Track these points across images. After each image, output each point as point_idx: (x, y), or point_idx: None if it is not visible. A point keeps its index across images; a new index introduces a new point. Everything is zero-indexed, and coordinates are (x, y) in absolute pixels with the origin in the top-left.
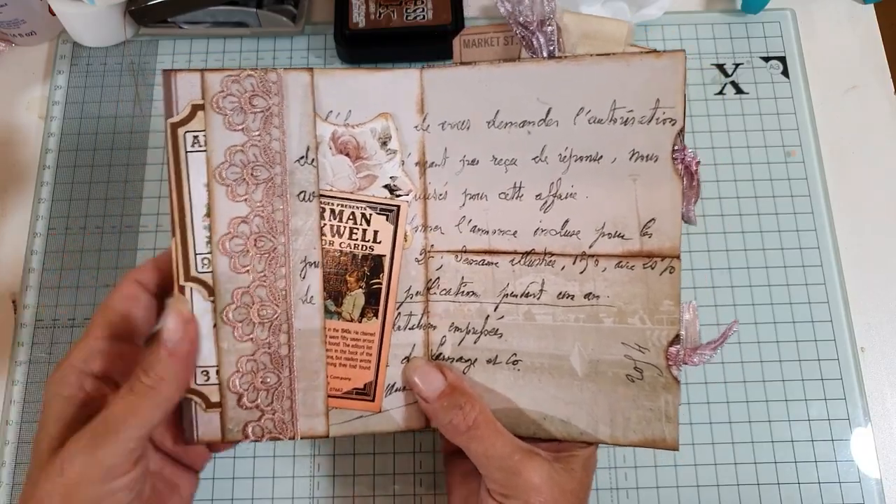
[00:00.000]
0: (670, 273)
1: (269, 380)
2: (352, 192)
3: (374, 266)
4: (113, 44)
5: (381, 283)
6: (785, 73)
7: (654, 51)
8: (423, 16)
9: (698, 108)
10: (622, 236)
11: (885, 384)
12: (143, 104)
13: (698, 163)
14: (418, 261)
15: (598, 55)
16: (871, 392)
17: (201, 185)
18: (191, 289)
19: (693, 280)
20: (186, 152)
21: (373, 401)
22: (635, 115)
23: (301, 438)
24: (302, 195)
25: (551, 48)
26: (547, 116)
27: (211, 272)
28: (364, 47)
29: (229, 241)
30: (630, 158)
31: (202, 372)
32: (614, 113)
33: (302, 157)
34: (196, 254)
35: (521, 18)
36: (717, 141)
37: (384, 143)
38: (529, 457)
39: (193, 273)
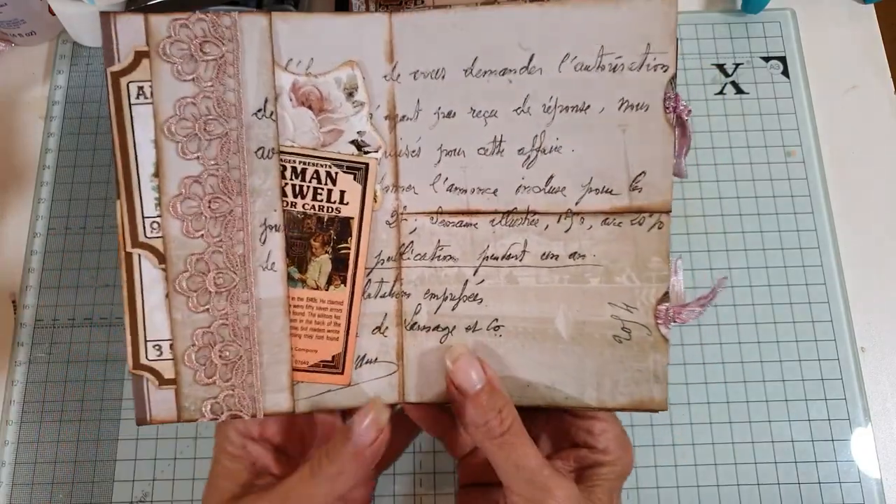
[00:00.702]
0: (659, 228)
1: (228, 353)
2: (315, 149)
3: (340, 229)
4: None
5: (349, 248)
6: (785, 73)
7: None
8: None
9: (698, 108)
10: (610, 192)
11: (885, 384)
12: None
13: (689, 111)
14: (389, 223)
15: None
16: (872, 392)
17: (148, 141)
18: (139, 256)
19: (693, 280)
20: (130, 105)
21: (342, 373)
22: (624, 61)
23: (264, 416)
24: (260, 151)
25: None
26: (529, 63)
27: (161, 237)
28: None
29: (181, 202)
30: (619, 108)
31: (154, 346)
32: (602, 59)
33: (260, 110)
34: (144, 217)
35: None
36: (717, 141)
37: (350, 95)
38: (559, 475)
39: (142, 238)
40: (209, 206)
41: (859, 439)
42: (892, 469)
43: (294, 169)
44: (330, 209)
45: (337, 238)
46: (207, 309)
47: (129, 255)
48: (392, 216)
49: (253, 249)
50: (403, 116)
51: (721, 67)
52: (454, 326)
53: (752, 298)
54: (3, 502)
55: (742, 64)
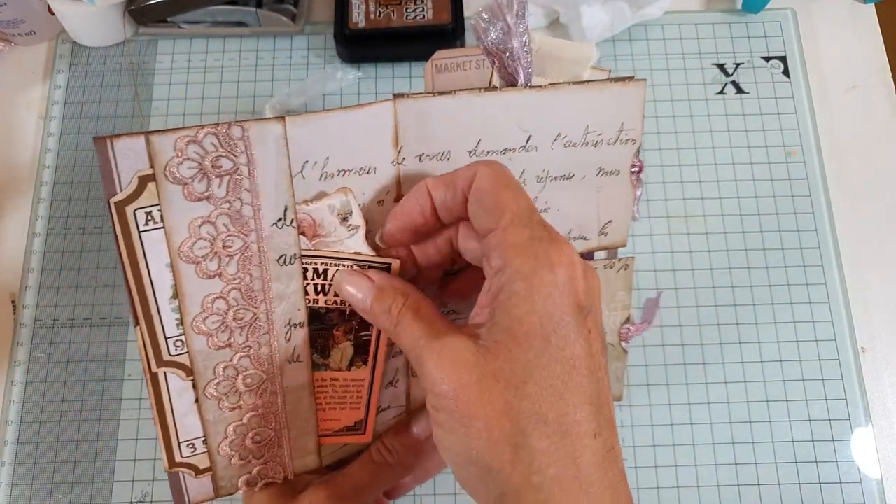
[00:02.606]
0: (625, 269)
1: (259, 438)
2: (337, 251)
3: (362, 320)
4: (112, 43)
5: (370, 335)
6: (785, 72)
7: (621, 78)
8: (423, 15)
9: (699, 108)
10: (584, 238)
11: (885, 384)
12: (143, 104)
13: (642, 168)
14: None
15: (574, 83)
16: (872, 392)
17: (163, 266)
18: (164, 373)
19: (693, 280)
20: (140, 232)
21: (364, 433)
22: (604, 137)
23: (294, 476)
24: (282, 259)
25: (528, 72)
26: (527, 143)
27: (186, 353)
28: (364, 47)
29: (204, 320)
30: (597, 174)
31: (187, 445)
32: (587, 136)
33: (280, 220)
34: (167, 338)
35: (493, 45)
36: (717, 141)
37: (344, 220)
38: (435, 337)
39: (166, 357)
40: (233, 318)
41: (860, 439)
42: (893, 469)
43: (315, 270)
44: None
45: (358, 327)
46: (239, 406)
47: (154, 375)
48: None
49: (279, 348)
50: None
51: (721, 67)
52: None
53: (753, 298)
54: (3, 502)
55: (742, 64)
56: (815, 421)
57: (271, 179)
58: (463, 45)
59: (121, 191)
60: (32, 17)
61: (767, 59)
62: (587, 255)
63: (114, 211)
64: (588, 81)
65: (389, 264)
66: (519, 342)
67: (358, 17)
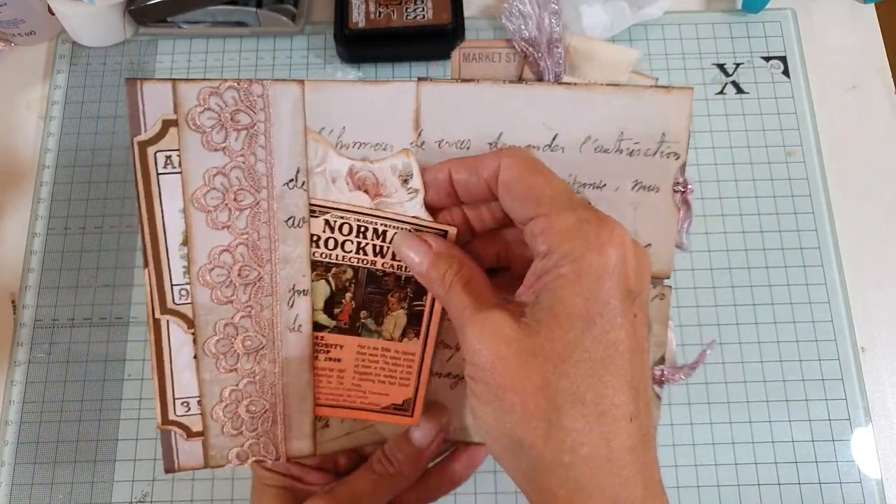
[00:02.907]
0: (661, 300)
1: (254, 408)
2: (396, 213)
3: (417, 288)
4: (112, 43)
5: (423, 306)
6: (785, 72)
7: (664, 86)
8: (423, 15)
9: (699, 108)
10: None
11: (885, 384)
12: None
13: (692, 191)
14: None
15: (608, 85)
16: (872, 392)
17: (176, 211)
18: (167, 321)
19: (693, 280)
20: (158, 174)
21: (411, 416)
22: (641, 147)
23: (288, 460)
24: (291, 221)
25: (558, 71)
26: (552, 142)
27: (190, 303)
28: (364, 47)
29: (210, 272)
30: (632, 188)
31: (182, 403)
32: (621, 144)
33: (291, 181)
34: (173, 285)
35: (527, 36)
36: (717, 141)
37: (405, 182)
38: (479, 310)
39: (170, 305)
40: (238, 274)
41: (860, 439)
42: (893, 469)
43: (376, 230)
44: (408, 269)
45: (413, 296)
46: (236, 369)
47: (157, 321)
48: None
49: (280, 313)
50: None
51: (721, 67)
52: (462, 375)
53: (753, 298)
54: (3, 502)
55: (742, 64)
56: (815, 421)
57: (286, 140)
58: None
59: (145, 132)
60: (32, 17)
61: (767, 59)
62: None
63: (136, 151)
64: (625, 85)
65: (446, 231)
66: (561, 323)
67: (358, 17)
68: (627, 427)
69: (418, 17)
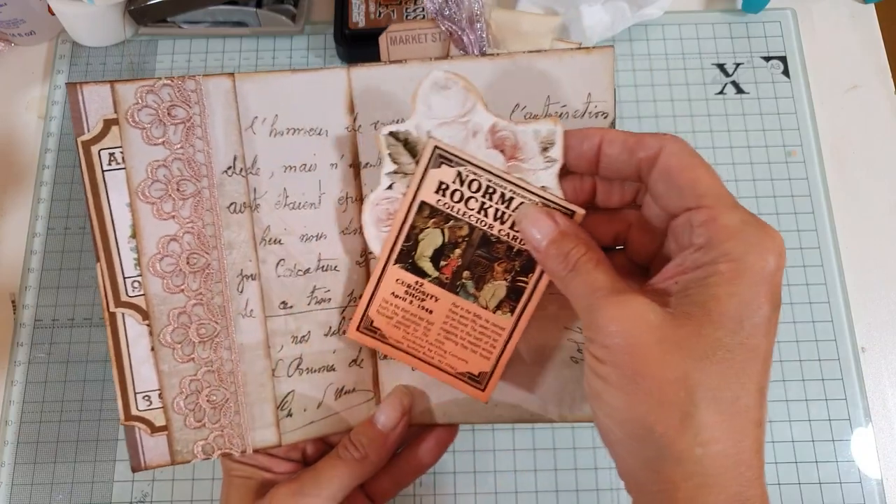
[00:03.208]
0: None
1: (215, 397)
2: (528, 182)
3: (525, 264)
4: (112, 43)
5: (526, 283)
6: (785, 72)
7: (585, 48)
8: (423, 15)
9: (699, 108)
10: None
11: (885, 384)
12: None
13: None
14: (360, 263)
15: (530, 52)
16: (872, 392)
17: (123, 205)
18: (122, 314)
19: None
20: (103, 171)
21: (483, 391)
22: (569, 109)
23: (253, 451)
24: (232, 207)
25: (482, 45)
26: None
27: (143, 295)
28: (364, 47)
29: (160, 261)
30: None
31: (143, 397)
32: (549, 108)
33: (229, 168)
34: (125, 277)
35: (448, 14)
36: (717, 141)
37: (545, 150)
38: (617, 292)
39: (124, 298)
40: (187, 262)
41: (860, 439)
42: (893, 469)
43: (503, 195)
44: (522, 241)
45: (519, 270)
46: (192, 358)
47: (112, 315)
48: (361, 256)
49: (231, 299)
50: (367, 164)
51: (721, 67)
52: None
53: None
54: (3, 502)
55: (742, 64)
56: (815, 421)
57: (221, 130)
58: None
59: (88, 132)
60: (32, 17)
61: (767, 59)
62: None
63: (81, 150)
64: (546, 50)
65: (574, 211)
66: (712, 320)
67: (358, 17)
68: (755, 431)
69: (418, 17)
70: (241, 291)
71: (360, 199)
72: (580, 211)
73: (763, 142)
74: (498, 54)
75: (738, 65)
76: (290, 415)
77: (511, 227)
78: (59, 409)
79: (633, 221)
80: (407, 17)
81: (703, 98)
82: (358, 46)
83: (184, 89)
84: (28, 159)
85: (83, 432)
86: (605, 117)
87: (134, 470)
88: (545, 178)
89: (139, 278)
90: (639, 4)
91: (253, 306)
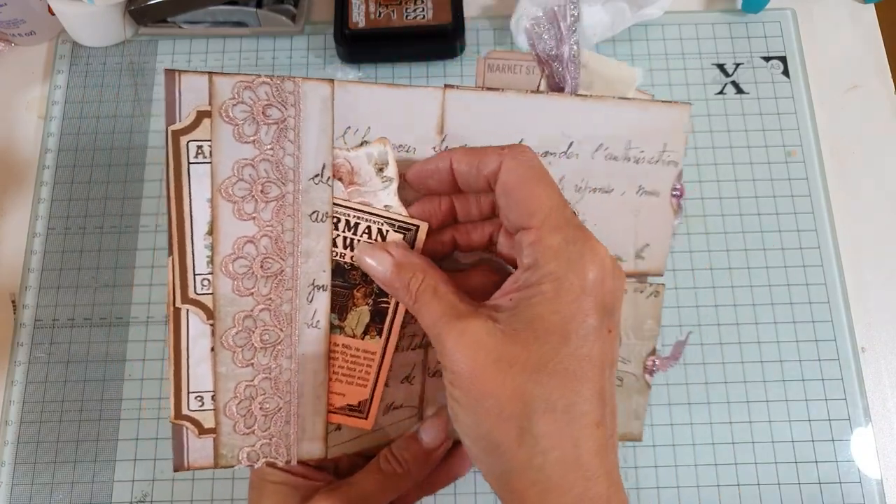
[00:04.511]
0: (655, 296)
1: (268, 405)
2: (370, 205)
3: None
4: (112, 43)
5: (388, 303)
6: (785, 72)
7: (667, 101)
8: (423, 15)
9: (699, 108)
10: (620, 259)
11: (885, 384)
12: (143, 104)
13: (683, 193)
14: None
15: (619, 98)
16: (872, 392)
17: (204, 201)
18: (188, 311)
19: (694, 280)
20: (189, 163)
21: (365, 419)
22: (645, 155)
23: (297, 462)
24: (315, 215)
25: (574, 84)
26: (568, 149)
27: (211, 294)
28: (364, 47)
29: (233, 262)
30: (636, 192)
31: (196, 397)
32: (629, 152)
33: (317, 175)
34: (195, 274)
35: (545, 52)
36: (717, 141)
37: (380, 170)
38: (457, 318)
39: (192, 294)
40: (261, 266)
41: (859, 439)
42: (893, 469)
43: (347, 222)
44: None
45: (379, 292)
46: (252, 364)
47: (177, 310)
48: None
49: (299, 307)
50: None
51: (721, 67)
52: None
53: (752, 298)
54: (3, 502)
55: (742, 64)
56: (814, 421)
57: (314, 136)
58: (463, 45)
59: (179, 121)
60: (32, 17)
61: (767, 59)
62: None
63: (170, 139)
64: (633, 99)
65: (417, 227)
66: (538, 336)
67: (358, 17)
68: (594, 432)
69: (418, 18)
70: (311, 301)
71: None
72: (423, 225)
73: (763, 142)
74: (591, 96)
75: (738, 65)
76: (339, 428)
77: None
78: (59, 409)
79: (500, 224)
80: (407, 17)
81: (702, 98)
82: (358, 46)
83: (282, 90)
84: (28, 159)
85: (83, 432)
86: (676, 166)
87: (176, 469)
88: (385, 197)
89: (210, 276)
90: (639, 4)
91: (320, 317)
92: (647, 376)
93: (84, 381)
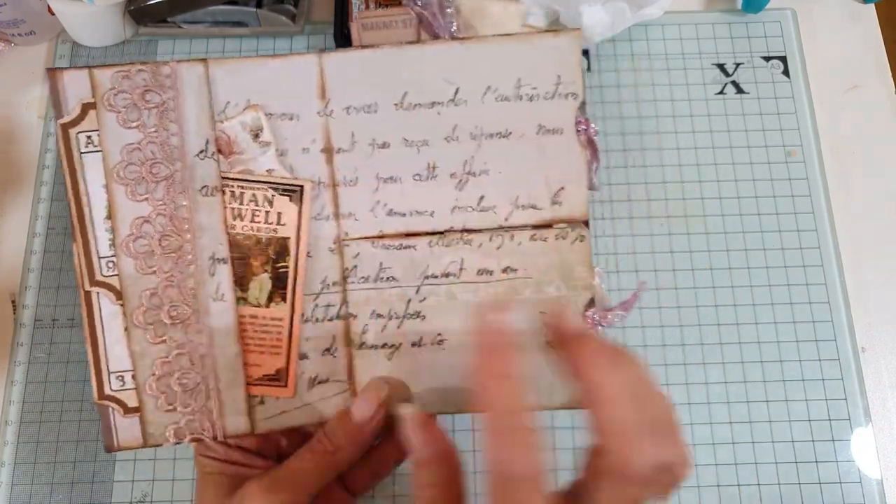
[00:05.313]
0: (581, 241)
1: (186, 381)
2: (251, 173)
3: (279, 249)
4: (112, 43)
5: (287, 267)
6: (786, 72)
7: (552, 30)
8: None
9: (699, 108)
10: (535, 206)
11: (885, 384)
12: None
13: (597, 132)
14: (332, 250)
15: (500, 35)
16: (872, 392)
17: (99, 187)
18: (97, 293)
19: (693, 280)
20: (80, 153)
21: (285, 386)
22: (539, 91)
23: (226, 438)
24: (204, 190)
25: (452, 29)
26: (455, 96)
27: (117, 275)
28: None
29: (133, 242)
30: (537, 133)
31: (117, 377)
32: (520, 90)
33: (202, 151)
34: (100, 257)
35: (419, 1)
36: (717, 141)
37: (256, 136)
38: None
39: (98, 277)
40: (160, 244)
41: (860, 439)
42: (893, 469)
43: (232, 193)
44: (268, 230)
45: (276, 257)
46: (164, 340)
47: (87, 294)
48: (334, 243)
49: (203, 282)
50: (339, 149)
51: (721, 67)
52: (400, 343)
53: (752, 298)
54: (3, 502)
55: (742, 64)
56: (814, 421)
57: (193, 114)
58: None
59: (67, 115)
60: (32, 17)
61: (767, 59)
62: (542, 227)
63: (60, 133)
64: (516, 34)
65: (302, 186)
66: None
67: None
68: None
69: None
70: (213, 275)
71: (333, 185)
72: (307, 183)
73: (763, 142)
74: (469, 38)
75: (738, 65)
76: (262, 402)
77: (252, 220)
78: (59, 409)
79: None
80: None
81: (703, 98)
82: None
83: (159, 74)
84: (28, 159)
85: (83, 432)
86: (575, 98)
87: (107, 450)
88: (266, 161)
89: (114, 258)
90: (639, 4)
91: (224, 290)
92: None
93: (84, 381)
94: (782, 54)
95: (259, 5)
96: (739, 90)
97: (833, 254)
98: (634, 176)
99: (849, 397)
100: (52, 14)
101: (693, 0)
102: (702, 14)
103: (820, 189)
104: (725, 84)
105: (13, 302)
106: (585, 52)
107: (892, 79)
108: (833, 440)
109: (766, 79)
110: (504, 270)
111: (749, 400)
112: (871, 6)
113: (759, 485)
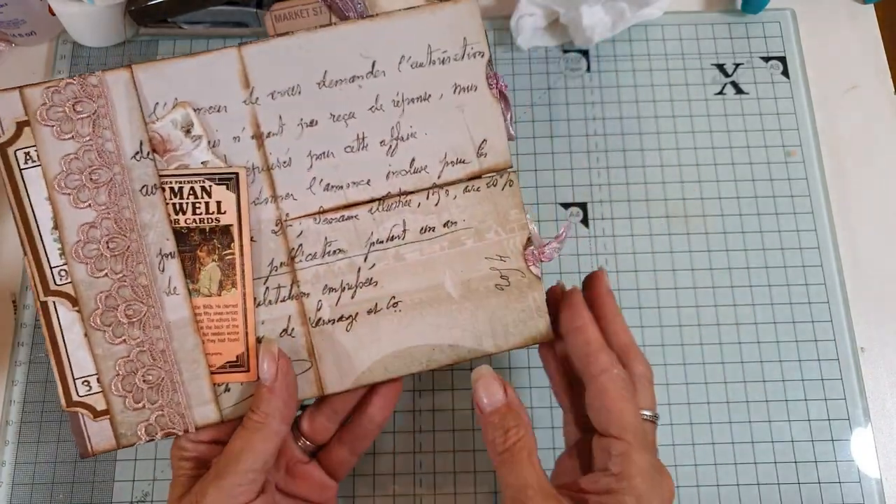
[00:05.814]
0: (510, 186)
1: (150, 377)
2: (187, 167)
3: (224, 237)
4: (113, 44)
5: (233, 253)
6: (785, 73)
7: None
8: None
9: (698, 108)
10: (463, 161)
11: (885, 384)
12: None
13: (506, 85)
14: (275, 232)
15: (405, 9)
16: (871, 392)
17: (43, 200)
18: (53, 303)
19: (693, 280)
20: (21, 170)
21: (248, 371)
22: (449, 54)
23: (197, 429)
24: (144, 189)
25: (360, 9)
26: (373, 69)
27: (70, 282)
28: None
29: (82, 248)
30: (454, 92)
31: (83, 382)
32: (432, 55)
33: (137, 153)
34: (52, 267)
35: None
36: (717, 141)
37: (187, 132)
38: (544, 498)
39: (53, 287)
40: (108, 247)
41: (859, 439)
42: (892, 469)
43: (172, 189)
44: (210, 220)
45: (221, 246)
46: (124, 339)
47: (44, 304)
48: (276, 225)
49: (154, 278)
50: (269, 133)
51: (721, 67)
52: (356, 313)
53: (752, 298)
54: (3, 502)
55: (742, 64)
56: (814, 421)
57: (125, 118)
58: None
59: (2, 135)
60: (33, 17)
61: (767, 59)
62: (473, 178)
63: None
64: (418, 6)
65: (237, 173)
66: None
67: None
68: None
69: None
70: (163, 270)
71: (268, 168)
72: (241, 170)
73: (762, 142)
74: (377, 15)
75: (737, 65)
76: (227, 389)
77: (194, 213)
78: (60, 409)
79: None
80: None
81: (702, 98)
82: None
83: (87, 85)
84: None
85: None
86: (482, 56)
87: (82, 456)
88: (200, 154)
89: (65, 267)
90: (639, 4)
91: (176, 284)
92: (532, 269)
93: None
94: (781, 55)
95: (259, 5)
96: (739, 90)
97: (832, 254)
98: (634, 176)
99: (848, 397)
100: (53, 14)
101: (693, 0)
102: (701, 14)
103: (819, 189)
104: (725, 84)
105: (14, 302)
106: (585, 53)
107: (891, 79)
108: (832, 440)
109: (765, 79)
110: (445, 225)
111: (749, 400)
112: (871, 7)
113: (758, 484)
